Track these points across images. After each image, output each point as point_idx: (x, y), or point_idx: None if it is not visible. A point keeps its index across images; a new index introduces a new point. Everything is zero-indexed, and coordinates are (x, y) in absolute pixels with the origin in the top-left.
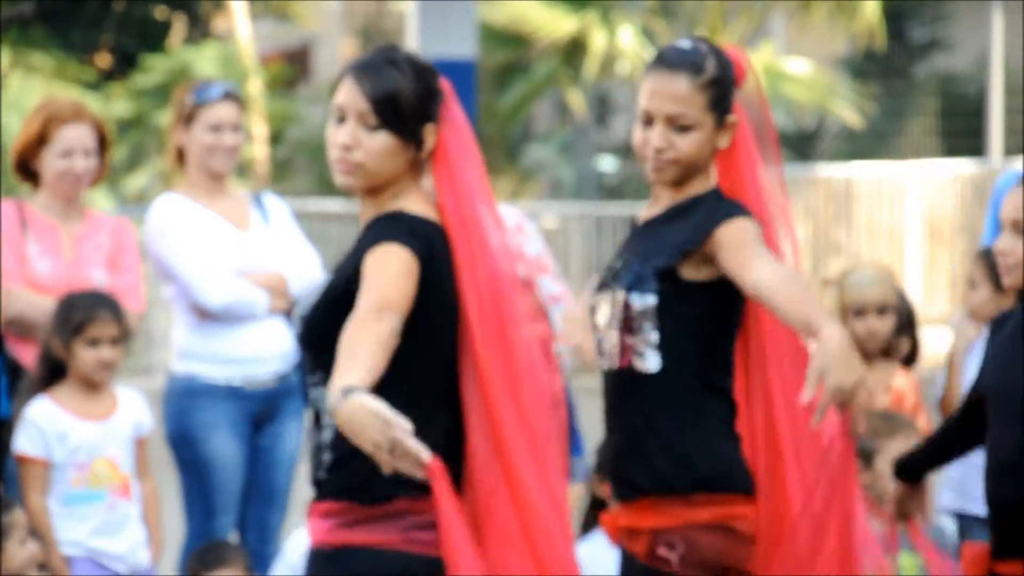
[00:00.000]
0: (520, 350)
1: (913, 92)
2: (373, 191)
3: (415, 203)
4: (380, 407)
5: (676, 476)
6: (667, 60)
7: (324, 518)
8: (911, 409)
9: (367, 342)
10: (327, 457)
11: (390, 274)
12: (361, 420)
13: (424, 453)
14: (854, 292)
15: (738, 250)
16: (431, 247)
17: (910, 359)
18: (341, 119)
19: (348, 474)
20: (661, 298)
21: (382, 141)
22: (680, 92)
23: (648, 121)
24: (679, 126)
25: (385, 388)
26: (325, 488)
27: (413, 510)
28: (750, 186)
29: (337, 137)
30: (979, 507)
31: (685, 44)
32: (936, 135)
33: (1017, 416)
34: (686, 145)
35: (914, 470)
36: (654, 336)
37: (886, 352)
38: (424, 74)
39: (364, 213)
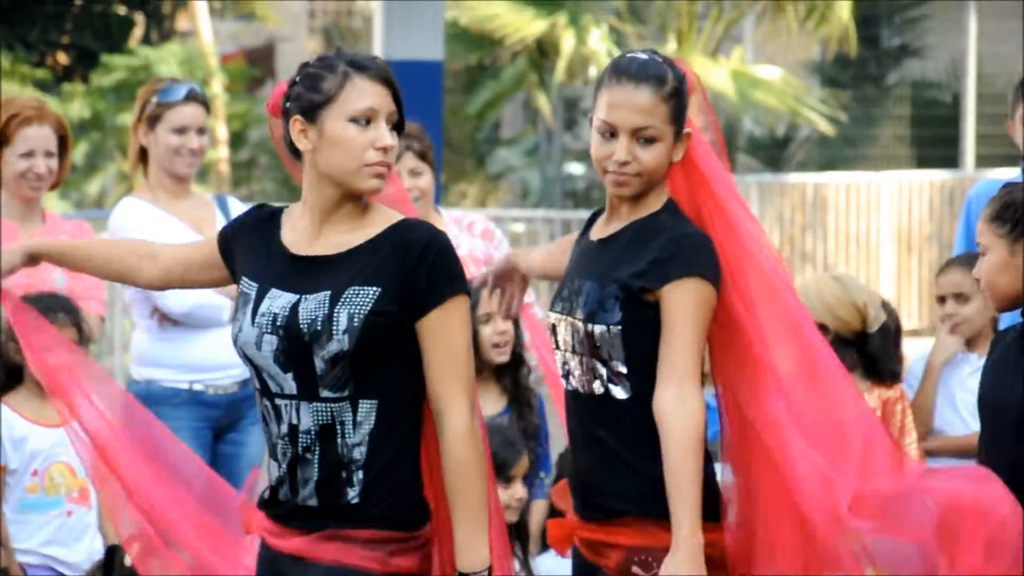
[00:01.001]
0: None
1: (885, 99)
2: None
3: (391, 211)
4: None
5: (651, 499)
6: (628, 72)
7: (368, 546)
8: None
9: None
10: (359, 477)
11: None
12: None
13: None
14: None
15: (674, 325)
16: None
17: (894, 375)
18: (368, 121)
19: (389, 502)
20: (624, 327)
21: (395, 141)
22: (645, 104)
23: (611, 133)
24: (643, 138)
25: None
26: (363, 515)
27: (430, 536)
28: (709, 198)
29: (375, 141)
30: None
31: (642, 56)
32: (909, 143)
33: (1010, 430)
34: (650, 158)
35: None
36: (621, 364)
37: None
38: None
39: (332, 219)
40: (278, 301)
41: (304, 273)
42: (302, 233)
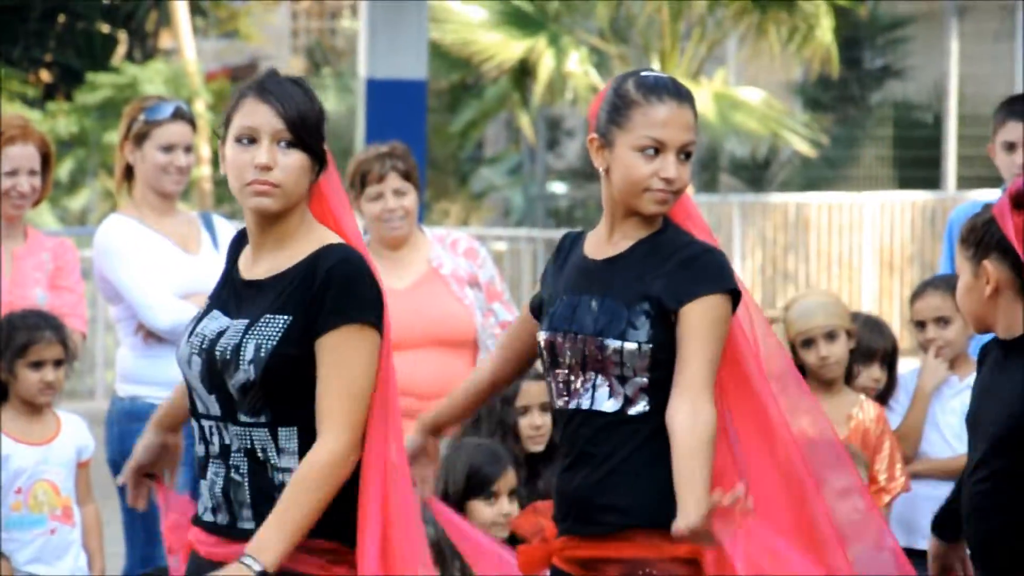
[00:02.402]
0: None
1: (868, 120)
2: (279, 216)
3: (331, 235)
4: None
5: (658, 510)
6: (669, 90)
7: (312, 553)
8: (876, 439)
9: None
10: None
11: None
12: None
13: None
14: (798, 322)
15: (692, 339)
16: None
17: (885, 394)
18: (251, 140)
19: (328, 518)
20: (654, 343)
21: (297, 159)
22: (690, 122)
23: (655, 151)
24: (685, 155)
25: None
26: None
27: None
28: (692, 210)
29: (254, 159)
30: (923, 542)
31: (661, 74)
32: (891, 163)
33: (993, 446)
34: (686, 175)
35: (951, 525)
36: (644, 381)
37: (847, 378)
38: (315, 95)
39: (262, 242)
40: (212, 324)
41: (242, 299)
42: (247, 256)
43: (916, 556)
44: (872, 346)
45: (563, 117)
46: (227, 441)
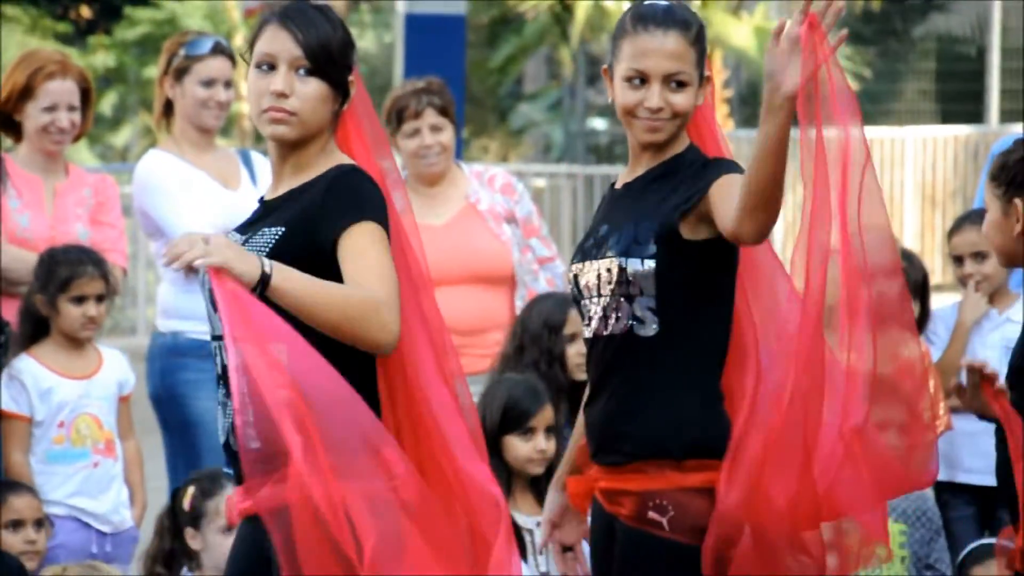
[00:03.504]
0: None
1: (910, 53)
2: (297, 143)
3: (346, 159)
4: None
5: (670, 440)
6: (655, 19)
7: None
8: (919, 378)
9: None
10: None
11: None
12: None
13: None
14: None
15: (726, 196)
16: None
17: (918, 325)
18: (271, 67)
19: None
20: (659, 261)
21: (316, 88)
22: (675, 49)
23: (641, 80)
24: (675, 83)
25: None
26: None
27: None
28: (715, 144)
29: (270, 85)
30: (968, 477)
31: (663, 3)
32: (933, 97)
33: None
34: (682, 102)
35: None
36: (652, 300)
37: None
38: (343, 24)
39: (281, 168)
40: None
41: (255, 219)
42: (271, 183)
43: (956, 490)
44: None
45: (603, 52)
46: (226, 361)
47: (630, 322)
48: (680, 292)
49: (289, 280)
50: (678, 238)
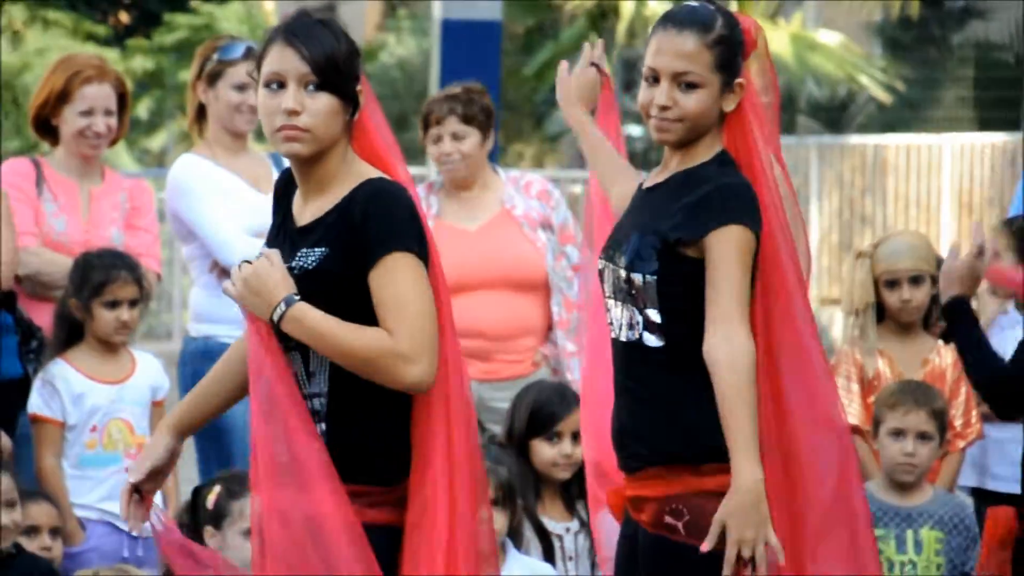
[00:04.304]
0: None
1: (948, 60)
2: (315, 159)
3: (370, 170)
4: None
5: (685, 446)
6: (674, 19)
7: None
8: (953, 385)
9: None
10: (323, 428)
11: None
12: None
13: None
14: (886, 261)
15: (717, 270)
16: None
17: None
18: (280, 85)
19: (360, 454)
20: (661, 276)
21: (326, 102)
22: (687, 49)
23: (654, 79)
24: (685, 84)
25: None
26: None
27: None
28: (755, 154)
29: (281, 104)
30: (996, 484)
31: (693, 4)
32: (971, 104)
33: None
34: (691, 104)
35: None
36: (656, 314)
37: (925, 323)
38: (347, 35)
39: (306, 187)
40: None
41: (295, 245)
42: (298, 201)
43: (987, 497)
44: None
45: (641, 58)
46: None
47: (642, 331)
48: (683, 304)
49: (300, 326)
50: (679, 256)
